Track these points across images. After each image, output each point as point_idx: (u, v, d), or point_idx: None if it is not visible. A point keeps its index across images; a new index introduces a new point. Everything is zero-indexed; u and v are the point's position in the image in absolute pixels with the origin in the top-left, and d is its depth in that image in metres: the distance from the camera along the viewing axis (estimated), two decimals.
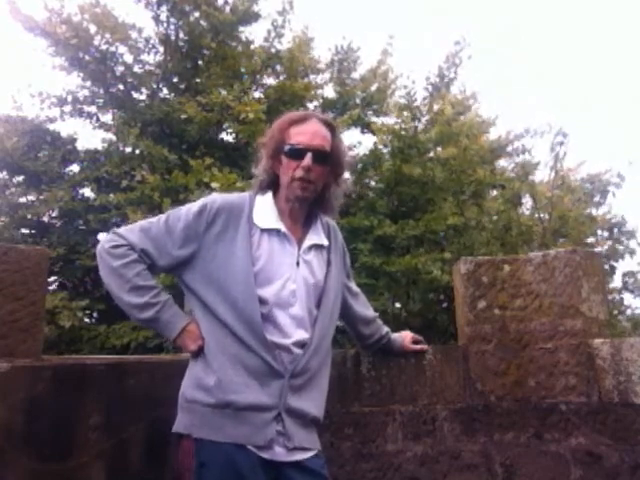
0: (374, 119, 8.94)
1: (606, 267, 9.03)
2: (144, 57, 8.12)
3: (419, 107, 8.02)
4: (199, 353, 1.55)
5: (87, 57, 7.41)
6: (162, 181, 6.48)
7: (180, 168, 6.61)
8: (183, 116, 7.28)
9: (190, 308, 1.62)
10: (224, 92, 7.45)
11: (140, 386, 1.93)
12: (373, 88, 9.07)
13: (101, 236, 7.33)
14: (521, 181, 8.50)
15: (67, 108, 7.88)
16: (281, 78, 8.52)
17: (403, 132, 7.67)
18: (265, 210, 1.64)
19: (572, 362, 2.25)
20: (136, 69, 7.99)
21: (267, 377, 1.50)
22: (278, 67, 8.57)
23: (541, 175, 9.49)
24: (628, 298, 10.00)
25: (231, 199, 1.66)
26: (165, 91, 8.37)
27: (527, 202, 9.35)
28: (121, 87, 7.82)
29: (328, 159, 1.64)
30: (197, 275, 1.57)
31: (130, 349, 5.95)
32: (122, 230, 1.62)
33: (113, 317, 6.17)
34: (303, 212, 1.69)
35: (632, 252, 9.59)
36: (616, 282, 9.83)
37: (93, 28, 7.36)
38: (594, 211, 9.85)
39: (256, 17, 8.28)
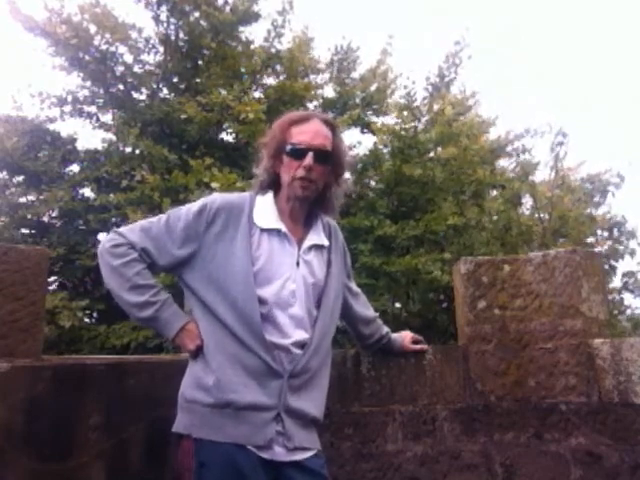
0: (374, 119, 8.94)
1: (606, 267, 9.04)
2: (144, 57, 8.13)
3: (419, 107, 8.02)
4: (198, 353, 1.55)
5: (87, 57, 7.41)
6: (162, 181, 6.48)
7: (180, 168, 6.61)
8: (183, 116, 7.28)
9: (190, 308, 1.62)
10: (224, 92, 7.45)
11: (140, 386, 1.93)
12: (373, 88, 9.07)
13: (101, 236, 7.34)
14: (521, 181, 8.52)
15: (67, 108, 7.88)
16: (281, 78, 8.52)
17: (403, 132, 7.67)
18: (265, 210, 1.64)
19: (572, 362, 2.25)
20: (136, 69, 7.99)
21: (266, 377, 1.50)
22: (278, 67, 8.57)
23: (541, 175, 9.50)
24: (628, 298, 10.01)
25: (231, 199, 1.66)
26: (165, 91, 8.38)
27: (527, 202, 9.37)
28: (121, 87, 7.82)
29: (329, 159, 1.64)
30: (197, 275, 1.58)
31: (130, 349, 5.95)
32: (123, 229, 1.63)
33: (113, 317, 6.17)
34: (304, 212, 1.69)
35: (632, 252, 9.60)
36: (616, 282, 9.84)
37: (93, 28, 7.35)
38: (594, 211, 9.86)
39: (256, 17, 8.28)
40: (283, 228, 1.62)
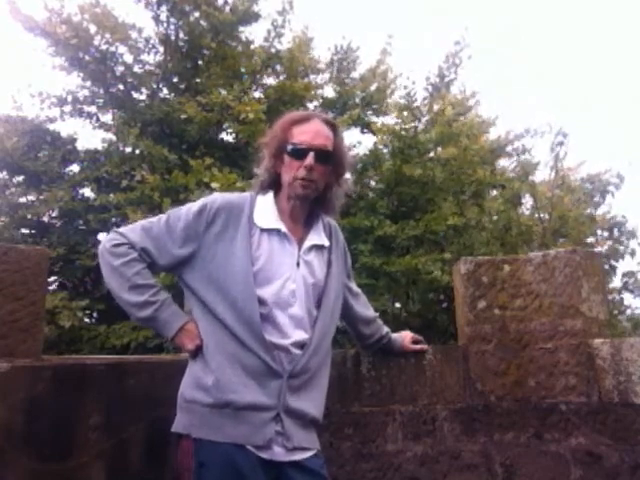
0: (374, 119, 8.94)
1: (606, 267, 9.04)
2: (144, 57, 8.13)
3: (419, 107, 8.02)
4: (197, 352, 1.55)
5: (87, 57, 7.41)
6: (162, 181, 6.48)
7: (180, 168, 6.61)
8: (183, 116, 7.28)
9: (190, 308, 1.62)
10: (224, 92, 7.45)
11: (140, 386, 1.93)
12: (372, 88, 9.07)
13: (101, 236, 7.34)
14: (521, 181, 8.52)
15: (67, 108, 7.88)
16: (281, 78, 8.52)
17: (403, 132, 7.67)
18: (266, 210, 1.64)
19: (572, 362, 2.25)
20: (136, 69, 7.99)
21: (265, 377, 1.50)
22: (278, 67, 8.57)
23: (541, 175, 9.51)
24: (628, 298, 10.02)
25: (231, 199, 1.66)
26: (165, 91, 8.38)
27: (527, 202, 9.38)
28: (121, 87, 7.81)
29: (330, 159, 1.64)
30: (197, 274, 1.58)
31: (130, 349, 5.95)
32: (123, 229, 1.63)
33: (113, 317, 6.17)
34: (304, 212, 1.69)
35: (632, 252, 9.60)
36: (616, 282, 9.85)
37: (93, 28, 7.35)
38: (594, 211, 9.86)
39: (256, 17, 8.28)
40: (283, 228, 1.62)
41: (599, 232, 10.01)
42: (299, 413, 1.53)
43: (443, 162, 7.77)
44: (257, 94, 8.12)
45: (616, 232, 9.88)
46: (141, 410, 1.91)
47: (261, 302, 1.53)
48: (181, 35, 8.09)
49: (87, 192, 7.68)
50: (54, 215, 7.58)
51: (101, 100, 7.91)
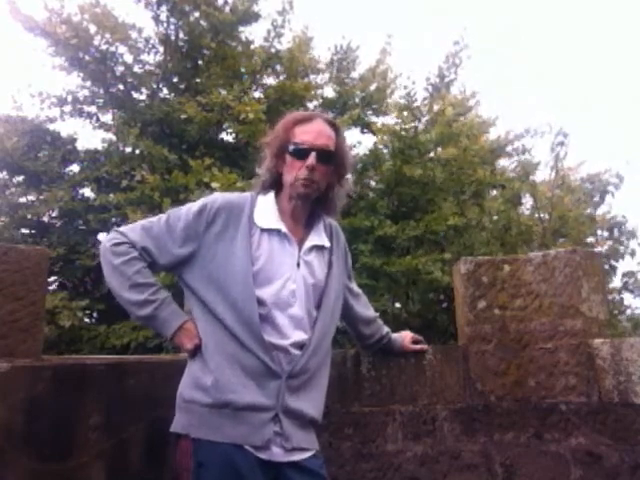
0: (374, 119, 8.94)
1: (606, 267, 9.04)
2: (144, 57, 8.13)
3: (419, 107, 8.02)
4: (196, 352, 1.55)
5: (87, 57, 7.41)
6: (162, 181, 6.48)
7: (180, 168, 6.61)
8: (183, 116, 7.28)
9: (190, 307, 1.62)
10: (224, 92, 7.45)
11: (140, 386, 1.93)
12: (372, 87, 9.06)
13: (101, 236, 7.34)
14: (521, 181, 8.53)
15: (67, 108, 7.87)
16: (281, 78, 8.52)
17: (403, 132, 7.67)
18: (266, 210, 1.64)
19: (572, 362, 2.25)
20: (136, 69, 7.98)
21: (264, 377, 1.50)
22: (278, 67, 8.57)
23: (541, 175, 9.52)
24: (628, 298, 10.02)
25: (232, 198, 1.66)
26: (165, 91, 8.37)
27: (527, 202, 9.38)
28: (121, 87, 7.81)
29: (332, 159, 1.64)
30: (197, 274, 1.58)
31: (130, 349, 5.95)
32: (124, 228, 1.63)
33: (113, 317, 6.17)
34: (305, 212, 1.69)
35: (632, 252, 9.61)
36: (616, 282, 9.85)
37: (93, 28, 7.35)
38: (594, 211, 9.87)
39: (256, 17, 8.28)
40: (283, 228, 1.62)
41: (599, 232, 10.02)
42: (298, 413, 1.53)
43: (443, 162, 7.77)
44: (257, 94, 8.12)
45: (616, 232, 9.88)
46: (141, 410, 1.91)
47: (260, 302, 1.53)
48: (181, 35, 8.08)
49: (87, 192, 7.69)
50: (54, 215, 7.58)
51: (101, 100, 7.91)
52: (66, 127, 19.81)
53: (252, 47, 8.43)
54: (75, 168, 7.92)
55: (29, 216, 7.23)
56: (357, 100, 8.91)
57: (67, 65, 7.56)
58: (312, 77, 9.06)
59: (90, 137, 19.59)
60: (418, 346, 2.23)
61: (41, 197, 7.31)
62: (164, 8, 7.79)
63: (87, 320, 7.04)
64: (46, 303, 2.20)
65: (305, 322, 1.59)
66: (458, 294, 2.50)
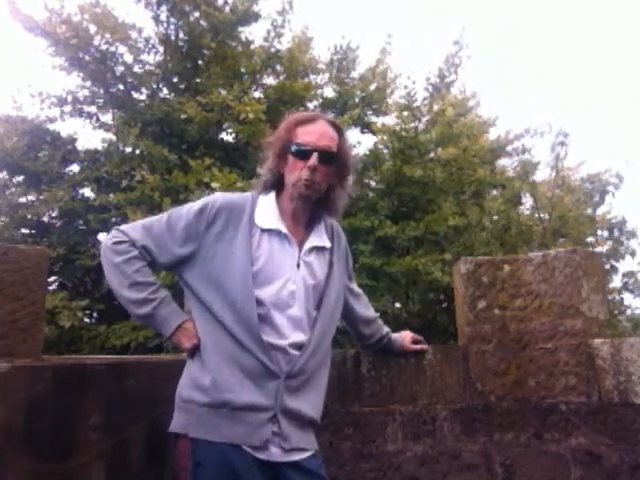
0: (374, 119, 8.94)
1: (606, 267, 9.04)
2: (144, 57, 8.13)
3: (419, 107, 8.02)
4: (194, 352, 1.55)
5: (87, 57, 7.41)
6: (162, 181, 6.48)
7: (180, 168, 6.61)
8: (183, 116, 7.28)
9: (190, 307, 1.62)
10: (224, 92, 7.45)
11: (140, 386, 1.93)
12: (372, 87, 9.06)
13: (101, 236, 7.34)
14: (521, 181, 8.53)
15: (67, 108, 7.87)
16: (281, 78, 8.52)
17: (403, 132, 7.67)
18: (267, 210, 1.64)
19: (572, 362, 2.25)
20: (136, 69, 7.99)
21: (263, 378, 1.50)
22: (278, 67, 8.57)
23: (541, 175, 9.52)
24: (628, 298, 10.03)
25: (233, 199, 1.66)
26: (165, 91, 8.37)
27: (527, 202, 9.38)
28: (121, 87, 7.81)
29: (334, 160, 1.64)
30: (197, 274, 1.58)
31: (130, 349, 5.95)
32: (125, 227, 1.64)
33: (113, 317, 6.17)
34: (306, 213, 1.69)
35: (632, 252, 9.61)
36: (616, 282, 9.86)
37: (93, 28, 7.35)
38: (594, 211, 9.87)
39: (256, 17, 8.28)
40: (283, 229, 1.62)
41: (599, 232, 10.02)
42: (296, 414, 1.53)
43: (443, 162, 7.77)
44: (257, 94, 8.13)
45: (616, 232, 9.88)
46: (141, 410, 1.91)
47: (259, 303, 1.53)
48: (181, 35, 8.09)
49: (87, 192, 7.69)
50: (54, 215, 7.58)
51: (101, 100, 7.91)
52: (66, 127, 19.85)
53: (252, 47, 8.43)
54: (75, 168, 7.93)
55: (29, 216, 7.23)
56: (357, 100, 8.91)
57: (67, 65, 7.57)
58: (312, 77, 9.07)
59: (90, 137, 19.62)
60: (418, 346, 2.23)
61: (41, 197, 7.31)
62: (164, 8, 7.80)
63: (87, 320, 7.04)
64: (46, 303, 2.20)
65: (304, 323, 1.59)
66: (458, 294, 2.50)
